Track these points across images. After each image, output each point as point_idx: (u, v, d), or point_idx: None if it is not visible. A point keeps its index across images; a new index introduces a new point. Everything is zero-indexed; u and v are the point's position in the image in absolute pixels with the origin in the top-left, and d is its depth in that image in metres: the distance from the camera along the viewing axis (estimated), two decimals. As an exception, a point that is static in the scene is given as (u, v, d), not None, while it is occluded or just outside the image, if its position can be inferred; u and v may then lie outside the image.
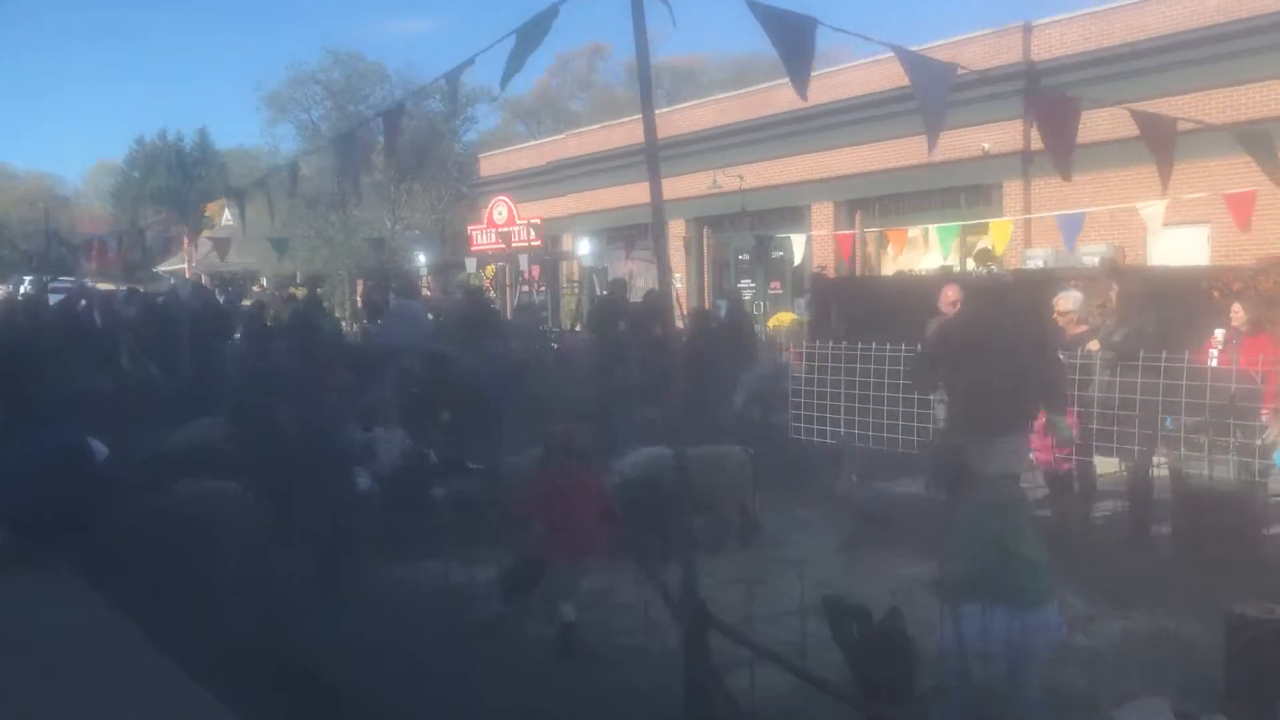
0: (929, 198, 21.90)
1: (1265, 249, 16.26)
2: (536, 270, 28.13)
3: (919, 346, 8.95)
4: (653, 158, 3.56)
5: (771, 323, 23.75)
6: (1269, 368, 9.28)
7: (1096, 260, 18.67)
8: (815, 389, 9.90)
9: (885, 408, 9.14)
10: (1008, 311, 7.10)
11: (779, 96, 24.65)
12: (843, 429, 9.60)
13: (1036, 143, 20.17)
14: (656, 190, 3.55)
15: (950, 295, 8.80)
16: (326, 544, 6.63)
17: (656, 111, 3.70)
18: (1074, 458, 7.87)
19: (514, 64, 3.99)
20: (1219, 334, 9.34)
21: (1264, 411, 9.42)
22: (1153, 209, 8.93)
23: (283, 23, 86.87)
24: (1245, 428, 8.67)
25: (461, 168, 41.00)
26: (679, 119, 26.39)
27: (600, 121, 34.97)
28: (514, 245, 24.53)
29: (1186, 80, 17.38)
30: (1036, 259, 18.66)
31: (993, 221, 9.40)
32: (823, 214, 23.56)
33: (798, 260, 16.28)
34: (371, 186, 39.22)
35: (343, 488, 7.05)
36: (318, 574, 6.62)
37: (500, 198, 27.40)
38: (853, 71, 23.10)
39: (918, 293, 10.24)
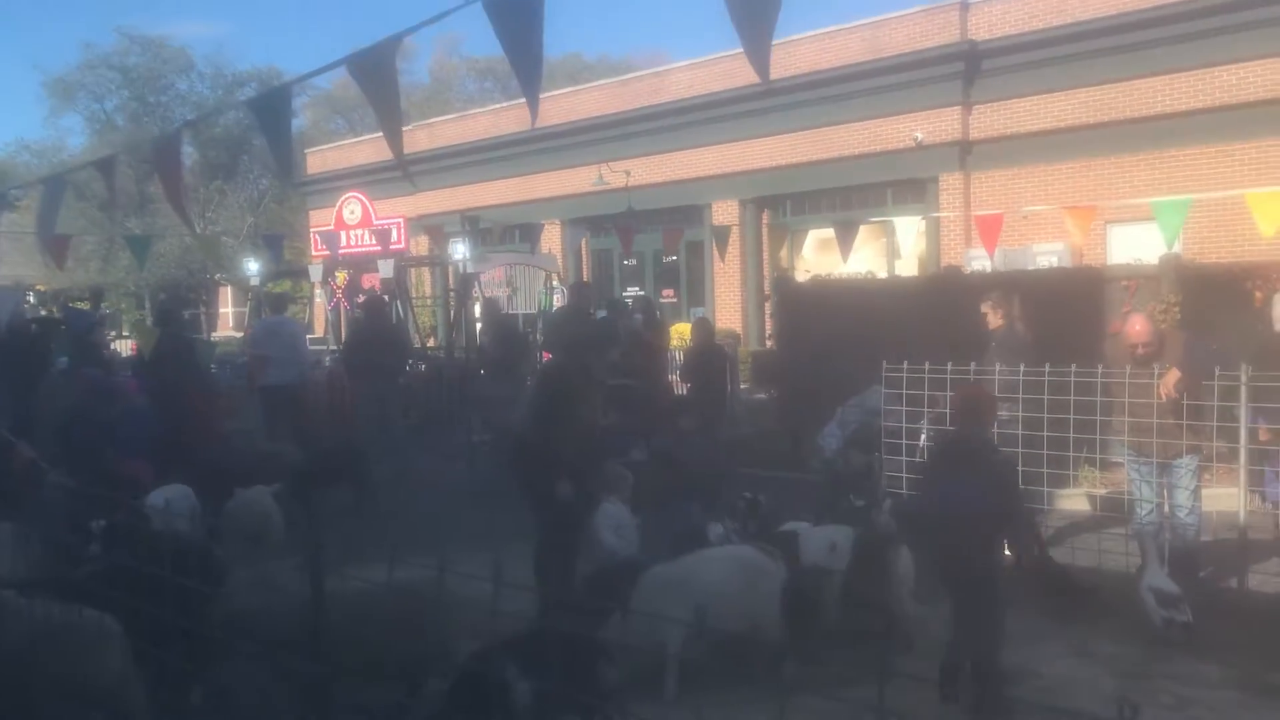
0: (849, 194, 19.89)
1: (1237, 246, 15.01)
2: (377, 280, 24.54)
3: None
4: None
5: (673, 336, 21.27)
6: None
7: (1055, 260, 17.08)
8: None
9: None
10: None
11: (670, 83, 22.24)
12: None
13: (975, 131, 18.51)
14: None
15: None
16: None
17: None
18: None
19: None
20: None
21: None
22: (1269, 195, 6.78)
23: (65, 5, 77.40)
24: None
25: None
26: (554, 108, 23.54)
27: (432, 116, 31.66)
28: (385, 248, 21.01)
29: (1134, 64, 16.00)
30: (980, 260, 16.91)
31: (1250, 194, 7.15)
32: (726, 213, 21.20)
33: (922, 245, 13.63)
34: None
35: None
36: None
37: (352, 194, 23.84)
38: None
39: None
